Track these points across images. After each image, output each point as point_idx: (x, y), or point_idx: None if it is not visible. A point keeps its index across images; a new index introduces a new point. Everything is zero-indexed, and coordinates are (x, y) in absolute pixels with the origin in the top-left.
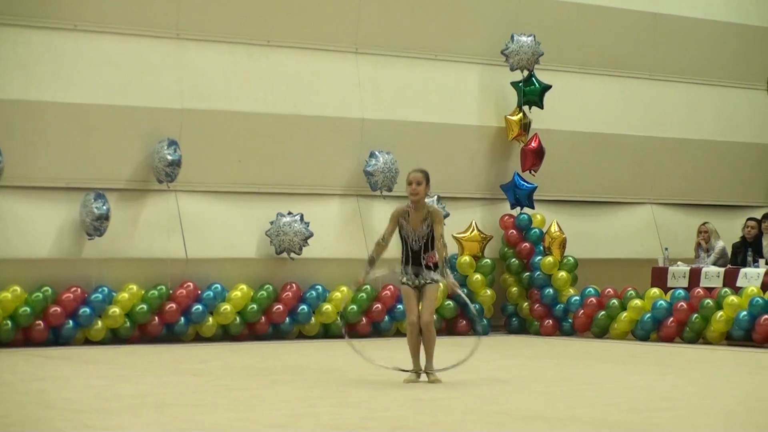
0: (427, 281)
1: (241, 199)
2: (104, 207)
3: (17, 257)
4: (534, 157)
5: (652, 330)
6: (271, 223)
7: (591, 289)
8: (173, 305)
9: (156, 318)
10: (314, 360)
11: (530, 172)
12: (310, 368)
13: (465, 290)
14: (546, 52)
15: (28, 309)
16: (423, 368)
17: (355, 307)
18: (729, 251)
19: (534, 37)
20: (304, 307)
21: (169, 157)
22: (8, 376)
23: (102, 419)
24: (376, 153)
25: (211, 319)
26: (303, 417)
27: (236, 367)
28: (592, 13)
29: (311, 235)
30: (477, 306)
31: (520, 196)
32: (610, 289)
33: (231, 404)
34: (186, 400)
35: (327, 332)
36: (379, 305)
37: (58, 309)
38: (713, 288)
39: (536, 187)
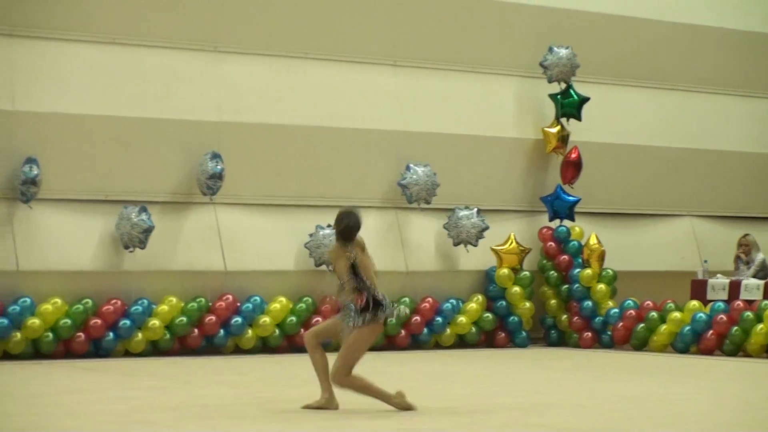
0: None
1: (280, 211)
2: (149, 220)
3: (58, 269)
4: (574, 169)
5: (691, 343)
6: (310, 235)
7: (630, 301)
8: (213, 317)
9: (195, 330)
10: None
11: (568, 185)
12: None
13: (503, 303)
14: (582, 64)
15: (69, 321)
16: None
17: (392, 319)
18: None
19: (570, 48)
20: None
21: (211, 170)
22: (42, 388)
23: (141, 431)
24: (412, 166)
25: (250, 331)
26: (341, 429)
27: (275, 379)
28: (628, 25)
29: None
30: (515, 319)
31: (560, 208)
32: (649, 302)
33: (270, 416)
34: (225, 412)
35: None
36: (418, 318)
37: (99, 321)
38: (753, 300)
39: (579, 199)
